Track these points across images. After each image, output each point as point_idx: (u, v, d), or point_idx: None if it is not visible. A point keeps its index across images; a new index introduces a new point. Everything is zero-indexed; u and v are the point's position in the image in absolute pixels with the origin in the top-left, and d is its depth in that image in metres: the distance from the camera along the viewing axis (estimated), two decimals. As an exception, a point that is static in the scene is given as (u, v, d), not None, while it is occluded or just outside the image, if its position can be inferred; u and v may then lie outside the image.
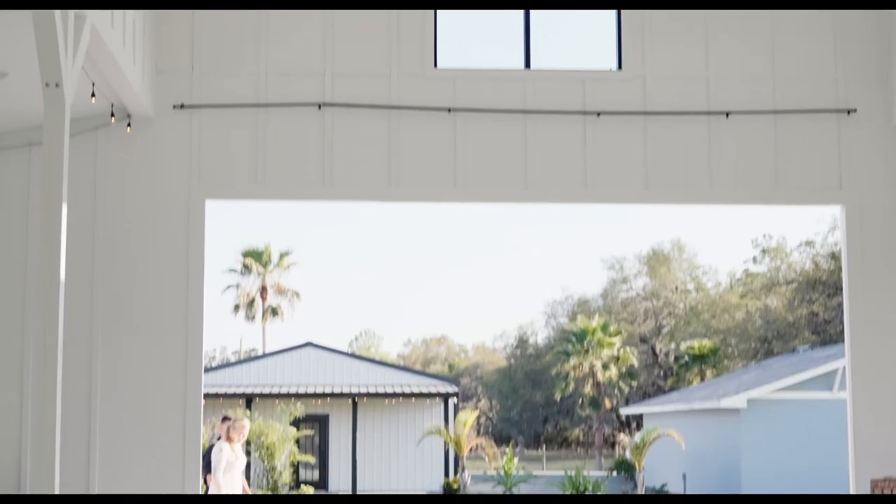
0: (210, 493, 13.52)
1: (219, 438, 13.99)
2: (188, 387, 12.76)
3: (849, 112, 13.72)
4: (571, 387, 60.57)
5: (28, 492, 12.04)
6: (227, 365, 43.02)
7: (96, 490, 12.48)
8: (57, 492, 8.72)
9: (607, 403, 60.69)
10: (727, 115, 13.61)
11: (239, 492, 13.57)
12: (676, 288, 70.44)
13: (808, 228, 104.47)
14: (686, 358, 62.19)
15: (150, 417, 12.66)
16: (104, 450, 12.55)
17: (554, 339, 71.72)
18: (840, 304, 53.01)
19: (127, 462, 12.57)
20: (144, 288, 12.81)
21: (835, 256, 55.51)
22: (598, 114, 13.52)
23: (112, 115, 12.43)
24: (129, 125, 12.80)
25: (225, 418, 14.48)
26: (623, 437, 36.62)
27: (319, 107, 13.20)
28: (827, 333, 55.71)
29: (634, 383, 61.93)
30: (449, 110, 13.37)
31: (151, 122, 13.02)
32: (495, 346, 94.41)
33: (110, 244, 12.80)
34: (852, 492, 13.47)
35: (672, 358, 67.19)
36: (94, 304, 12.66)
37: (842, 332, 47.12)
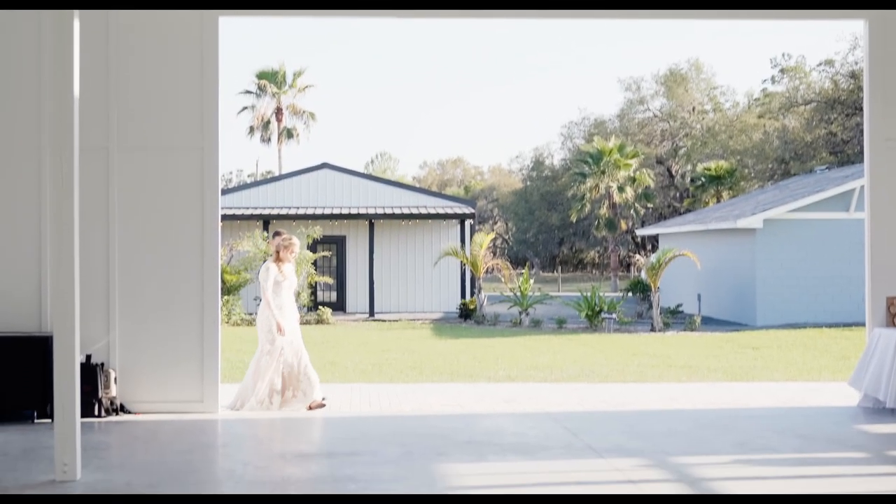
0: (261, 311, 13.34)
1: (271, 256, 13.71)
2: (205, 207, 12.71)
3: (876, -78, 13.34)
4: (587, 208, 60.73)
5: (49, 318, 12.16)
6: (243, 186, 43.08)
7: (116, 313, 12.58)
8: (77, 321, 8.76)
9: (623, 225, 60.92)
10: (750, -75, 13.22)
11: (290, 312, 13.37)
12: (693, 108, 70.01)
13: (827, 48, 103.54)
14: (702, 179, 62.16)
15: (167, 238, 12.66)
16: (123, 271, 12.60)
17: (570, 161, 71.65)
18: (858, 125, 53.17)
19: (145, 283, 12.62)
20: (159, 107, 12.69)
21: (854, 76, 54.94)
22: (618, -76, 13.14)
23: (121, -72, 12.14)
24: (138, -60, 12.52)
25: (276, 234, 14.04)
26: (638, 259, 36.68)
27: (332, -82, 12.85)
28: (844, 154, 55.50)
29: (650, 205, 62.04)
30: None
31: (161, -63, 12.71)
32: (511, 168, 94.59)
33: (124, 62, 12.64)
34: (868, 310, 13.52)
35: (688, 179, 67.17)
36: (109, 122, 12.57)
37: (859, 152, 47.02)
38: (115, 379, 12.42)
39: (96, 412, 12.01)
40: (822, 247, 31.92)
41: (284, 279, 13.38)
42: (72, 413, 8.67)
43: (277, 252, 13.49)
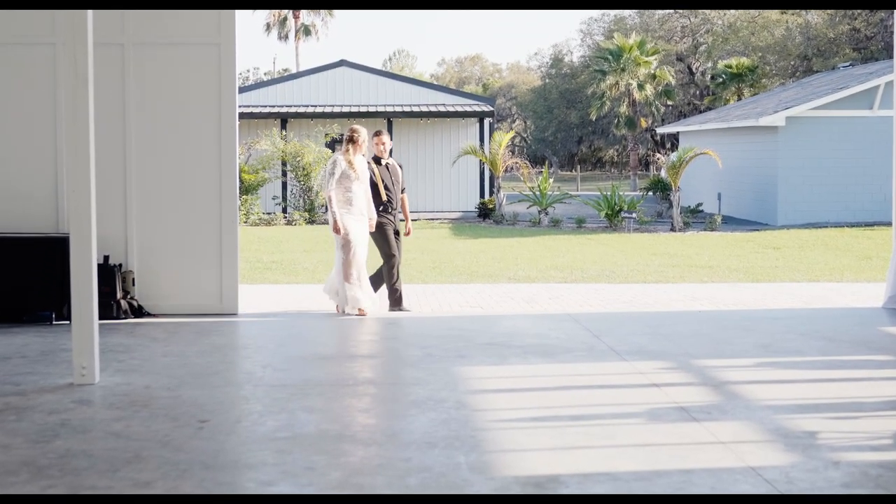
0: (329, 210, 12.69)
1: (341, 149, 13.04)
2: (222, 105, 12.51)
3: None
4: (607, 106, 60.21)
5: (66, 218, 12.04)
6: (260, 84, 42.75)
7: (134, 213, 12.46)
8: (94, 221, 8.63)
9: (643, 123, 60.42)
10: None
11: (360, 211, 12.66)
12: (715, 4, 68.98)
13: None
14: (723, 77, 61.45)
15: (184, 137, 12.49)
16: (139, 170, 12.45)
17: (589, 58, 70.90)
18: (882, 20, 52.40)
19: (162, 183, 12.48)
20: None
21: (880, -30, 54.00)
22: None
23: None
24: None
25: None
26: (659, 157, 36.32)
27: None
28: (868, 50, 54.76)
29: (670, 102, 61.45)
30: None
31: None
32: (530, 66, 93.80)
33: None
34: (895, 208, 13.32)
35: (709, 77, 66.46)
36: (124, 16, 12.34)
37: (883, 48, 46.33)
38: (133, 280, 12.34)
39: (114, 314, 11.94)
40: (844, 145, 31.58)
41: (355, 174, 12.62)
42: (90, 315, 8.57)
43: (351, 144, 12.63)
